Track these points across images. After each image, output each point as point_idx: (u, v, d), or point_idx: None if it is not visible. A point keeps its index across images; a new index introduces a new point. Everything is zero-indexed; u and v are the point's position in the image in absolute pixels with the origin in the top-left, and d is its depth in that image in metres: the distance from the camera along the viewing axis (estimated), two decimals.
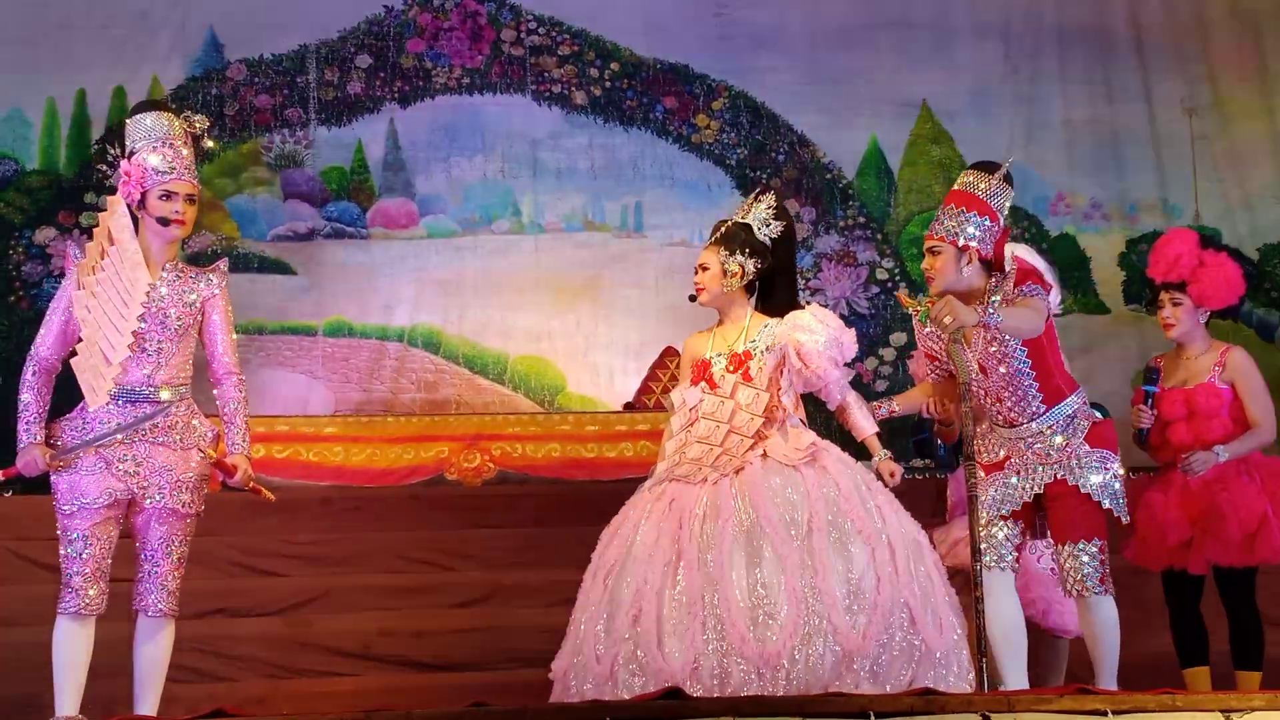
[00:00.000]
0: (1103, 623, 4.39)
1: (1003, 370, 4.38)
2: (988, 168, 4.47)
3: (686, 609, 4.19)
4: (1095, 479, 4.36)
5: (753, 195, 4.82)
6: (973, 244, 4.34)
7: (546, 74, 9.19)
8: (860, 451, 4.69)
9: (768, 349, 4.56)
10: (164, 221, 4.38)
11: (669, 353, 8.39)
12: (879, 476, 4.52)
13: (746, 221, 4.69)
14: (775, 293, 4.69)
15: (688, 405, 4.62)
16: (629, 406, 8.28)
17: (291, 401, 8.47)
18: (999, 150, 9.24)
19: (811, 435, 4.50)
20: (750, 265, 4.62)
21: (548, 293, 8.98)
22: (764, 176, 9.16)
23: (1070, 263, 9.26)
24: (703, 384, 4.61)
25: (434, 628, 5.99)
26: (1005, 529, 4.43)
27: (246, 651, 5.83)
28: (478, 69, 9.18)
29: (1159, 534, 4.95)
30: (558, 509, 6.99)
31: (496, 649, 5.85)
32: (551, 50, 9.23)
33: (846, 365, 4.59)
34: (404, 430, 7.72)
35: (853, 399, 4.63)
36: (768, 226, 4.67)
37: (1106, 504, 4.37)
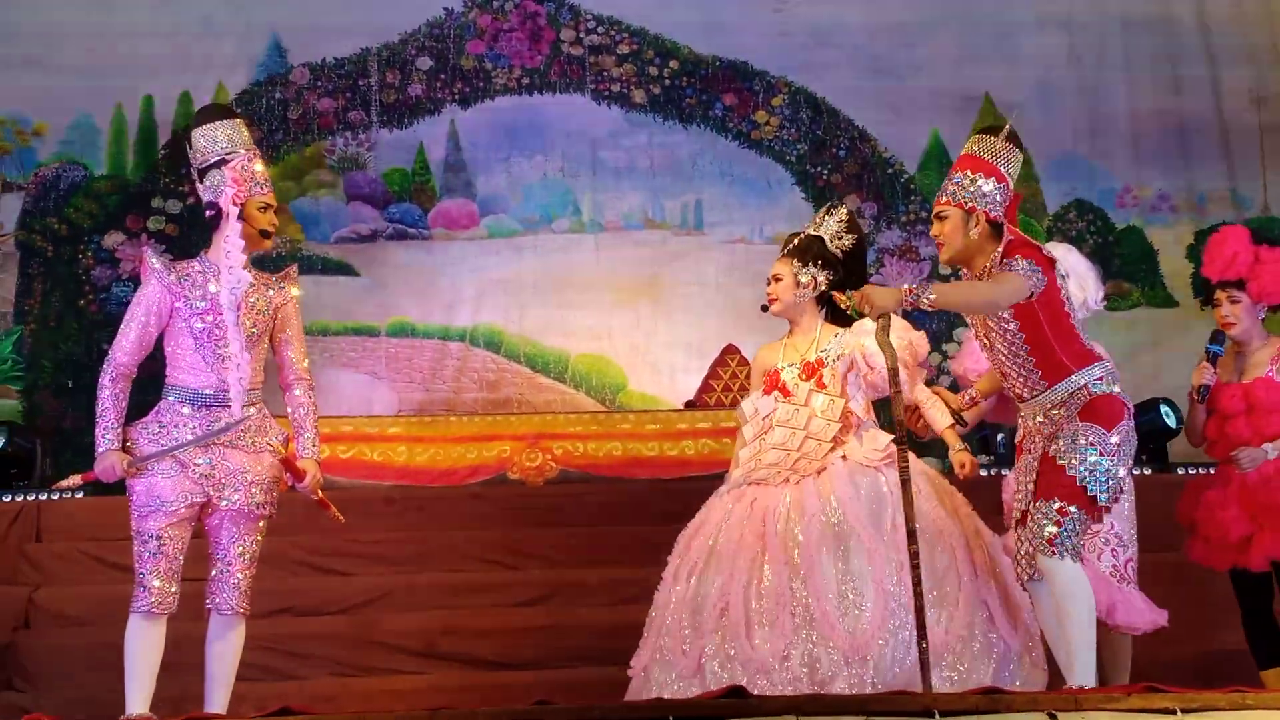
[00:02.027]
0: (1055, 590, 4.05)
1: (1000, 345, 4.27)
2: (993, 130, 4.35)
3: (775, 599, 4.25)
4: (1072, 450, 4.09)
5: (825, 208, 4.89)
6: (979, 205, 4.21)
7: (606, 73, 9.21)
8: (933, 449, 4.70)
9: (839, 356, 4.60)
10: (266, 234, 4.44)
11: (729, 350, 8.37)
12: (951, 468, 4.57)
13: (819, 234, 4.76)
14: None
15: (760, 414, 4.67)
16: (690, 405, 8.26)
17: (355, 402, 8.55)
18: (1064, 143, 9.21)
19: (887, 438, 4.52)
20: (822, 277, 4.70)
21: (608, 291, 9.00)
22: (824, 172, 9.13)
23: (1137, 256, 9.15)
24: (775, 393, 4.65)
25: (497, 626, 6.02)
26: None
27: (313, 650, 5.89)
28: (537, 69, 9.22)
29: (1219, 532, 4.88)
30: (619, 508, 7.00)
31: (560, 647, 5.87)
32: (610, 49, 9.25)
33: (920, 365, 4.61)
34: (466, 430, 7.75)
35: (924, 396, 4.67)
36: (840, 239, 4.74)
37: (1080, 481, 4.05)
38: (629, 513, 6.92)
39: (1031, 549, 4.08)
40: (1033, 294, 4.12)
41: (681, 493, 7.10)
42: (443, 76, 9.16)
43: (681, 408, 8.21)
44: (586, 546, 6.64)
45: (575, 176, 9.16)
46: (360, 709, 5.22)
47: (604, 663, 5.71)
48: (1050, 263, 4.19)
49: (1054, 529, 4.02)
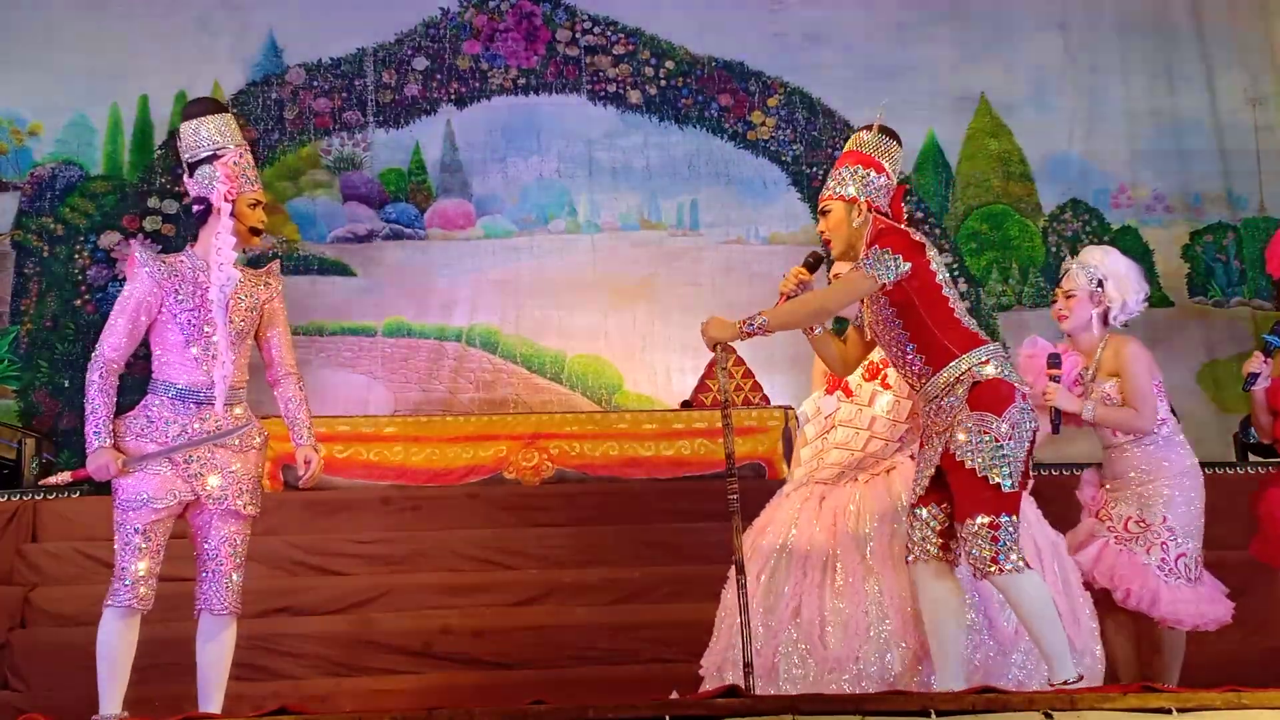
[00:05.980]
0: (1014, 605, 3.98)
1: (884, 334, 4.19)
2: (868, 127, 4.35)
3: (849, 599, 4.25)
4: (963, 440, 3.94)
5: None
6: (860, 196, 4.20)
7: (601, 73, 9.22)
8: None
9: None
10: (255, 231, 4.41)
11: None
12: None
13: None
14: None
15: (823, 413, 4.66)
16: (686, 405, 8.27)
17: (352, 402, 8.55)
18: (1060, 143, 9.22)
19: None
20: None
21: (604, 292, 9.00)
22: (820, 173, 9.12)
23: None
24: (838, 393, 4.63)
25: (493, 626, 6.01)
26: (926, 511, 4.07)
27: (309, 649, 5.88)
28: (533, 69, 9.22)
29: (1277, 529, 4.88)
30: (615, 508, 7.00)
31: (556, 647, 5.86)
32: (606, 50, 9.26)
33: None
34: (462, 430, 7.75)
35: None
36: None
37: (981, 471, 3.89)
38: (625, 513, 6.92)
39: (976, 570, 3.95)
40: (885, 284, 4.04)
41: (677, 492, 7.15)
42: (439, 77, 9.16)
43: (678, 408, 8.22)
44: (583, 546, 6.63)
45: (571, 177, 9.17)
46: (357, 708, 5.21)
47: (600, 662, 5.72)
48: (920, 246, 4.10)
49: (989, 548, 3.89)
